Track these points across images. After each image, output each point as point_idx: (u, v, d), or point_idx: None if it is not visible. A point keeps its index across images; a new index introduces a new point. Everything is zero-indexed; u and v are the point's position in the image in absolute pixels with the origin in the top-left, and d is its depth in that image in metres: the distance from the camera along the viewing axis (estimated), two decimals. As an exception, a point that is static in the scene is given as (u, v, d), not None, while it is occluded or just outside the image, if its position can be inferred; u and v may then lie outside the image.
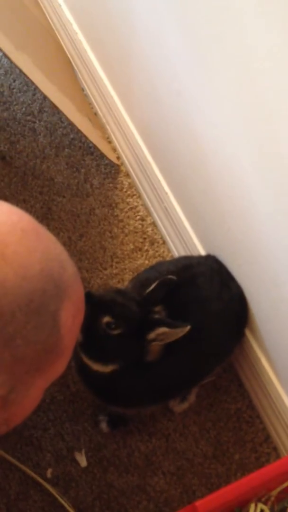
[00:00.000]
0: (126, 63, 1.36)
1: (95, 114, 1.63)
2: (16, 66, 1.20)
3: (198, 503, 0.93)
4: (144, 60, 1.26)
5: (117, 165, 1.55)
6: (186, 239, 1.36)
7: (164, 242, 1.46)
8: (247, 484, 0.97)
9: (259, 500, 1.00)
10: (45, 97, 1.59)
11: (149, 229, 1.48)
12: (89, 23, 1.52)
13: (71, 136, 1.59)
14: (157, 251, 1.46)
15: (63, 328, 0.75)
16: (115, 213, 1.49)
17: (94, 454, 1.24)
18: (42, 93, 1.28)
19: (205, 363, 1.17)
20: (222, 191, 1.14)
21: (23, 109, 1.62)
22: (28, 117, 1.61)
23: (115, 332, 1.01)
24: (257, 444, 1.27)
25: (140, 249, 1.45)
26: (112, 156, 1.54)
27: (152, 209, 1.47)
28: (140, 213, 1.50)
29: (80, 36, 1.59)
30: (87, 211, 1.49)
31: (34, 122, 1.60)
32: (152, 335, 1.02)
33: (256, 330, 1.21)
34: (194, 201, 1.29)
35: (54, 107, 1.40)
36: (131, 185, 1.53)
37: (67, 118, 1.38)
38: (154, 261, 1.44)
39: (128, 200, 1.51)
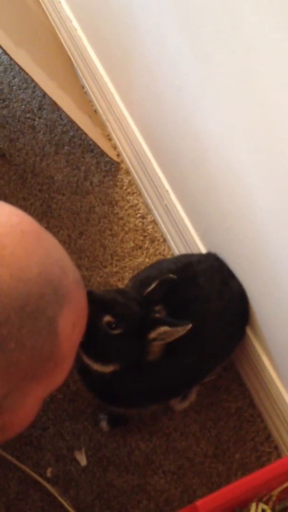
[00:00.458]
0: (127, 59, 1.35)
1: (95, 111, 1.62)
2: (16, 63, 1.20)
3: (199, 502, 0.92)
4: (145, 56, 1.26)
5: (117, 162, 1.54)
6: (187, 237, 1.35)
7: (164, 240, 1.46)
8: (248, 484, 0.96)
9: (260, 499, 0.99)
10: (44, 94, 1.58)
11: (150, 227, 1.47)
12: (89, 19, 1.52)
13: (71, 133, 1.58)
14: (157, 249, 1.45)
15: (61, 335, 0.73)
16: (115, 211, 1.49)
17: (94, 453, 1.23)
18: (41, 90, 1.28)
19: (206, 362, 1.16)
20: (223, 189, 1.14)
21: (23, 106, 1.61)
22: (28, 115, 1.60)
23: (116, 331, 1.00)
24: (258, 443, 1.26)
25: (141, 247, 1.45)
26: (112, 154, 1.53)
27: (152, 206, 1.47)
28: (141, 211, 1.49)
29: (80, 33, 1.58)
30: (87, 209, 1.48)
31: (34, 120, 1.59)
32: (153, 335, 1.01)
33: (257, 329, 1.20)
34: (194, 199, 1.29)
35: (54, 104, 1.39)
36: (131, 183, 1.52)
37: (67, 115, 1.37)
38: (154, 259, 1.43)
39: (128, 198, 1.51)
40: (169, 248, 1.45)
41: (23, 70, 1.22)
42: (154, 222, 1.47)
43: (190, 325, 0.99)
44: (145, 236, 1.46)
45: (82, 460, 1.23)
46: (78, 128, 1.43)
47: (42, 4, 1.74)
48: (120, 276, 1.41)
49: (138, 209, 1.49)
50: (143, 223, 1.48)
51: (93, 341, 1.00)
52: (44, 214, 1.47)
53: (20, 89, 1.63)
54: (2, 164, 1.52)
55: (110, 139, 1.59)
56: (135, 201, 1.50)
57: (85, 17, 1.54)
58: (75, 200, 1.49)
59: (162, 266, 1.19)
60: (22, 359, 0.70)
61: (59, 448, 1.23)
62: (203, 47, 1.04)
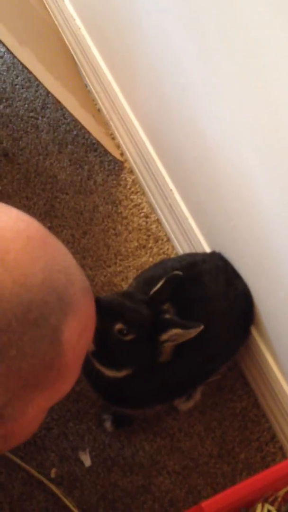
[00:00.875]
0: (130, 58, 1.35)
1: (99, 110, 1.61)
2: (20, 62, 1.19)
3: (204, 503, 0.92)
4: (149, 55, 1.25)
5: (121, 161, 1.54)
6: (191, 236, 1.34)
7: (168, 239, 1.45)
8: (254, 485, 0.96)
9: (265, 500, 0.99)
10: (48, 93, 1.58)
11: (153, 226, 1.47)
12: (92, 17, 1.51)
13: (74, 132, 1.57)
14: (161, 249, 1.44)
15: (65, 344, 0.71)
16: (119, 210, 1.48)
17: (99, 454, 1.23)
18: (45, 89, 1.27)
19: (211, 362, 1.16)
20: (228, 187, 1.13)
21: (26, 105, 1.60)
22: (31, 114, 1.59)
23: (128, 337, 0.99)
24: (263, 444, 1.25)
25: (144, 247, 1.44)
26: (115, 153, 1.53)
27: (156, 206, 1.46)
28: (144, 210, 1.48)
29: (83, 31, 1.58)
30: (90, 208, 1.48)
31: (37, 119, 1.59)
32: (164, 337, 1.00)
33: (262, 328, 1.19)
34: (199, 198, 1.28)
35: (57, 102, 1.39)
36: (135, 182, 1.52)
37: (70, 114, 1.36)
38: (158, 259, 1.43)
39: (132, 197, 1.50)
40: (173, 247, 1.44)
41: (27, 69, 1.21)
42: (158, 221, 1.47)
43: (202, 327, 0.98)
44: (149, 236, 1.46)
45: (87, 460, 1.22)
46: (82, 127, 1.43)
47: (45, 2, 1.73)
48: (124, 275, 1.40)
49: (142, 208, 1.49)
50: (146, 222, 1.47)
51: (105, 349, 0.99)
52: (47, 214, 1.46)
53: (23, 88, 1.63)
54: (5, 163, 1.52)
55: (113, 138, 1.58)
56: (139, 200, 1.50)
57: (88, 16, 1.54)
58: (78, 199, 1.49)
59: (166, 266, 1.18)
60: (23, 367, 0.69)
61: (63, 448, 1.23)
62: (207, 46, 1.03)
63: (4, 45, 1.16)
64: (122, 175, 1.53)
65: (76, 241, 1.44)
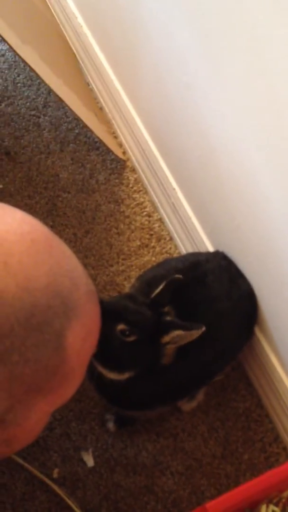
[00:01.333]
0: (133, 56, 1.34)
1: (101, 109, 1.61)
2: (22, 60, 1.19)
3: (209, 504, 0.91)
4: (152, 53, 1.24)
5: (123, 160, 1.53)
6: (194, 236, 1.34)
7: (171, 239, 1.44)
8: (258, 486, 0.95)
9: (270, 501, 0.98)
10: (49, 92, 1.57)
11: (156, 225, 1.46)
12: (95, 15, 1.50)
13: (76, 131, 1.57)
14: (164, 248, 1.44)
15: (69, 349, 0.70)
16: (121, 209, 1.47)
17: (101, 454, 1.22)
18: (47, 87, 1.27)
19: (215, 362, 1.15)
20: (232, 186, 1.12)
21: (28, 103, 1.60)
22: (33, 112, 1.59)
23: (130, 339, 0.98)
24: (267, 444, 1.25)
25: (147, 246, 1.44)
26: (118, 151, 1.52)
27: (159, 205, 1.45)
28: (147, 209, 1.48)
29: (85, 29, 1.57)
30: (92, 207, 1.47)
31: (39, 117, 1.58)
32: (166, 338, 1.00)
33: (265, 328, 1.19)
34: (202, 197, 1.27)
35: (59, 101, 1.38)
36: (138, 181, 1.51)
37: (72, 112, 1.36)
38: (161, 258, 1.42)
39: (134, 196, 1.50)
40: (176, 246, 1.43)
41: (29, 67, 1.21)
42: (161, 220, 1.46)
43: (203, 328, 0.97)
44: (151, 235, 1.45)
45: (89, 460, 1.22)
46: (84, 126, 1.42)
47: (48, 1, 1.72)
48: (127, 274, 1.40)
49: (144, 207, 1.48)
50: (149, 221, 1.47)
51: (107, 351, 0.99)
52: (49, 213, 1.46)
53: (25, 86, 1.62)
54: (7, 162, 1.51)
55: (116, 137, 1.57)
56: (141, 199, 1.49)
57: (91, 14, 1.53)
58: (80, 198, 1.48)
59: (169, 266, 1.18)
60: (26, 372, 0.68)
61: (65, 448, 1.22)
62: (211, 44, 1.03)
63: (6, 43, 1.16)
64: (125, 174, 1.52)
65: (79, 240, 1.43)
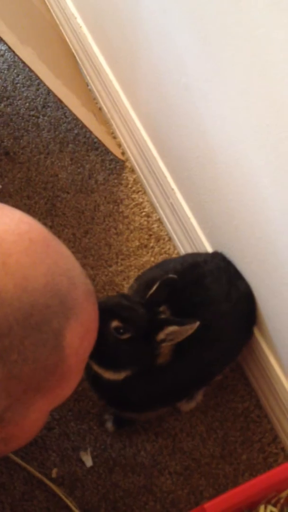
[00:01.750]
0: (132, 57, 1.34)
1: (100, 109, 1.61)
2: (21, 60, 1.19)
3: (207, 505, 0.91)
4: (151, 53, 1.24)
5: (122, 160, 1.53)
6: (193, 236, 1.34)
7: (170, 239, 1.45)
8: (256, 486, 0.96)
9: (268, 502, 0.98)
10: (49, 92, 1.57)
11: (155, 225, 1.46)
12: (94, 16, 1.51)
13: (75, 131, 1.57)
14: (162, 248, 1.44)
15: (67, 348, 0.71)
16: (120, 210, 1.47)
17: (100, 454, 1.23)
18: (47, 87, 1.27)
19: (214, 363, 1.15)
20: (231, 187, 1.13)
21: (27, 104, 1.60)
22: (32, 112, 1.59)
23: (125, 336, 0.99)
24: (265, 444, 1.25)
25: (146, 246, 1.44)
26: (117, 152, 1.52)
27: (157, 205, 1.45)
28: (146, 210, 1.48)
29: (85, 30, 1.57)
30: (91, 208, 1.47)
31: (38, 117, 1.58)
32: (161, 336, 1.00)
33: (264, 329, 1.19)
34: (201, 197, 1.27)
35: (58, 101, 1.38)
36: (136, 181, 1.51)
37: (71, 113, 1.36)
38: (159, 258, 1.42)
39: (133, 196, 1.50)
40: (175, 247, 1.44)
41: (28, 67, 1.21)
42: (159, 220, 1.46)
43: (197, 323, 0.97)
44: (150, 235, 1.45)
45: (88, 460, 1.22)
46: (83, 126, 1.42)
47: (47, 1, 1.72)
48: (125, 275, 1.40)
49: (143, 208, 1.48)
50: (148, 221, 1.47)
51: (102, 349, 0.99)
52: (48, 213, 1.46)
53: (24, 87, 1.62)
54: (6, 162, 1.51)
55: (114, 137, 1.58)
56: (140, 200, 1.49)
57: (90, 14, 1.53)
58: (79, 199, 1.48)
59: (168, 267, 1.18)
60: (24, 371, 0.68)
61: (64, 448, 1.23)
62: (210, 45, 1.03)
63: (5, 43, 1.16)
64: (123, 174, 1.52)
65: (77, 240, 1.43)
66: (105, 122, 1.59)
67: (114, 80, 1.49)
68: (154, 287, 1.04)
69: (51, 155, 1.53)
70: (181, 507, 1.19)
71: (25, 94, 1.61)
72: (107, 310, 0.97)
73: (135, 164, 1.50)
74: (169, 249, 1.44)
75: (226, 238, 1.22)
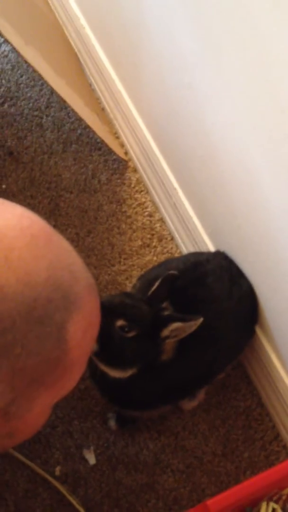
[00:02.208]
0: (135, 57, 1.35)
1: (103, 109, 1.61)
2: (25, 61, 1.19)
3: (210, 502, 0.92)
4: (154, 53, 1.25)
5: (125, 160, 1.54)
6: (195, 235, 1.34)
7: (172, 238, 1.45)
8: (259, 483, 0.96)
9: (270, 499, 0.99)
10: (52, 92, 1.58)
11: (157, 225, 1.47)
12: (97, 17, 1.51)
13: (79, 131, 1.57)
14: (165, 247, 1.45)
15: (70, 342, 0.71)
16: (123, 209, 1.48)
17: (103, 452, 1.23)
18: (50, 88, 1.27)
19: (216, 362, 1.16)
20: (233, 186, 1.13)
21: (30, 104, 1.61)
22: (35, 112, 1.60)
23: (130, 334, 0.99)
24: (267, 442, 1.26)
25: (148, 245, 1.44)
26: (120, 152, 1.53)
27: (160, 205, 1.46)
28: (148, 209, 1.49)
29: (88, 31, 1.58)
30: (95, 207, 1.48)
31: (41, 117, 1.59)
32: (165, 332, 1.01)
33: (266, 327, 1.20)
34: (203, 197, 1.28)
35: (62, 101, 1.39)
36: (139, 181, 1.52)
37: (75, 113, 1.37)
38: (162, 258, 1.43)
39: (136, 196, 1.50)
40: (177, 246, 1.44)
41: (32, 67, 1.22)
42: (162, 220, 1.47)
43: (201, 319, 0.98)
44: (153, 234, 1.46)
45: (91, 458, 1.22)
46: (86, 126, 1.43)
47: (50, 2, 1.73)
48: (128, 274, 1.41)
49: (146, 207, 1.49)
50: (150, 221, 1.48)
51: (108, 348, 0.99)
52: (52, 212, 1.47)
53: (27, 87, 1.63)
54: (10, 162, 1.52)
55: (117, 137, 1.58)
56: (143, 199, 1.50)
57: (93, 15, 1.54)
58: (83, 198, 1.49)
59: (170, 266, 1.18)
60: (28, 365, 0.69)
61: (67, 446, 1.23)
62: (213, 43, 1.03)
63: (10, 43, 1.17)
64: (126, 174, 1.53)
65: (81, 240, 1.44)
66: (108, 122, 1.59)
67: (117, 80, 1.50)
68: (156, 284, 1.05)
69: (55, 155, 1.54)
70: (183, 505, 1.20)
71: (28, 95, 1.62)
72: (111, 310, 0.98)
73: (138, 164, 1.51)
74: (171, 248, 1.44)
75: (229, 237, 1.23)
